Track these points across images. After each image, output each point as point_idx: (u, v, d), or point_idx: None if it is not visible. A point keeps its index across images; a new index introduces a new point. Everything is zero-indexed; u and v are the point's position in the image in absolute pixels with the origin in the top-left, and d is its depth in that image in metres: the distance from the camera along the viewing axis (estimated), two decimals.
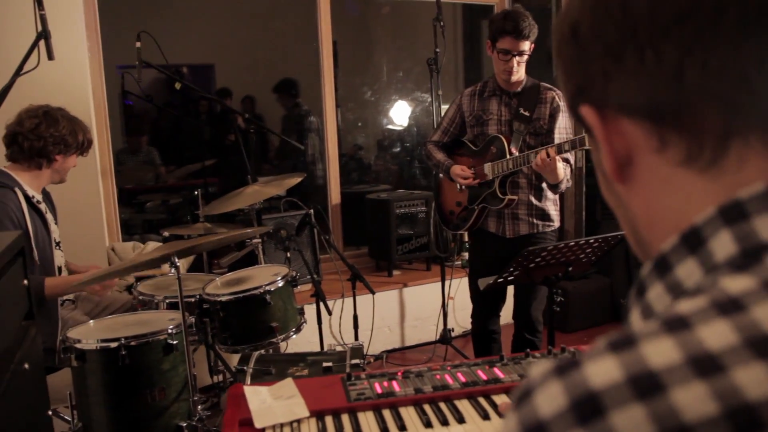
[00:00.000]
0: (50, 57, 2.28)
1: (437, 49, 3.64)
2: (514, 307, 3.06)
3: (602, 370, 0.38)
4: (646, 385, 0.37)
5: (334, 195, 4.33)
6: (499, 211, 2.89)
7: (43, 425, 1.52)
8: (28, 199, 2.51)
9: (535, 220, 2.87)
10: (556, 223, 2.94)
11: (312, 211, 3.41)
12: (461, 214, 3.03)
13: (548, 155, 2.56)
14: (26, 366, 1.32)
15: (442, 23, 3.57)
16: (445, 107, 3.85)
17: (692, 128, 0.47)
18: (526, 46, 2.70)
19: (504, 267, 2.96)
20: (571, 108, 0.55)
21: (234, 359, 2.84)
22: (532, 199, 2.87)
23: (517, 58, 2.71)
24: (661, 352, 0.38)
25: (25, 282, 1.47)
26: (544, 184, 2.85)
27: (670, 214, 0.49)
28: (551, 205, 2.91)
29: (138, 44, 2.89)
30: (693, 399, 0.35)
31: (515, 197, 2.84)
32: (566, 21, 0.53)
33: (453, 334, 4.04)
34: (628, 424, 0.36)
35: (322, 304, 3.08)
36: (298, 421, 1.45)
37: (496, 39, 2.73)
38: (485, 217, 2.95)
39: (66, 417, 2.32)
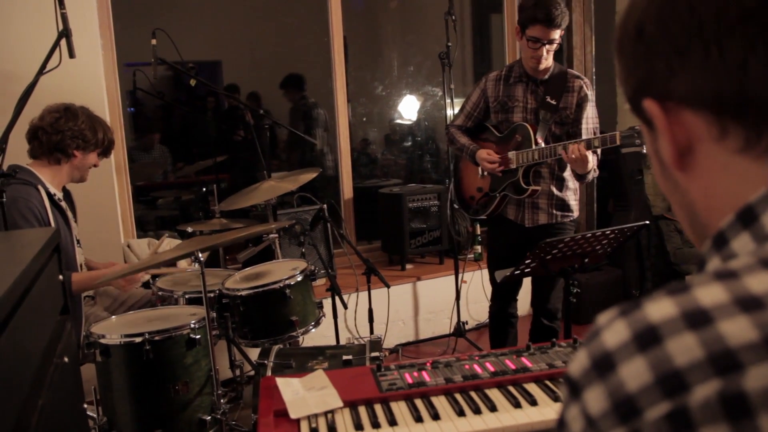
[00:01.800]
0: (71, 55, 2.29)
1: (449, 43, 3.65)
2: (532, 295, 3.07)
3: (660, 307, 0.45)
4: (697, 319, 0.43)
5: (347, 189, 4.34)
6: (519, 200, 2.88)
7: (79, 419, 1.54)
8: (50, 196, 2.53)
9: (554, 211, 2.86)
10: (576, 213, 2.93)
11: (325, 206, 3.43)
12: (481, 200, 3.00)
13: (577, 150, 2.55)
14: (66, 359, 1.34)
15: (453, 17, 3.58)
16: (457, 101, 3.87)
17: (752, 118, 0.50)
18: (557, 34, 2.65)
19: (520, 255, 3.00)
20: (632, 101, 0.59)
21: (253, 353, 2.86)
22: (553, 189, 2.85)
23: (547, 46, 2.66)
24: (711, 294, 0.44)
25: (60, 277, 1.49)
26: (566, 174, 2.85)
27: (727, 198, 0.54)
28: (571, 195, 2.90)
29: (153, 41, 2.90)
30: (737, 328, 0.41)
31: (538, 188, 2.81)
32: (631, 20, 0.57)
33: (467, 327, 4.05)
34: (682, 349, 0.42)
35: (337, 299, 3.09)
36: (332, 411, 1.47)
37: (526, 26, 2.66)
38: (505, 204, 2.93)
39: (89, 413, 2.34)
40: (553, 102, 2.76)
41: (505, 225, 2.96)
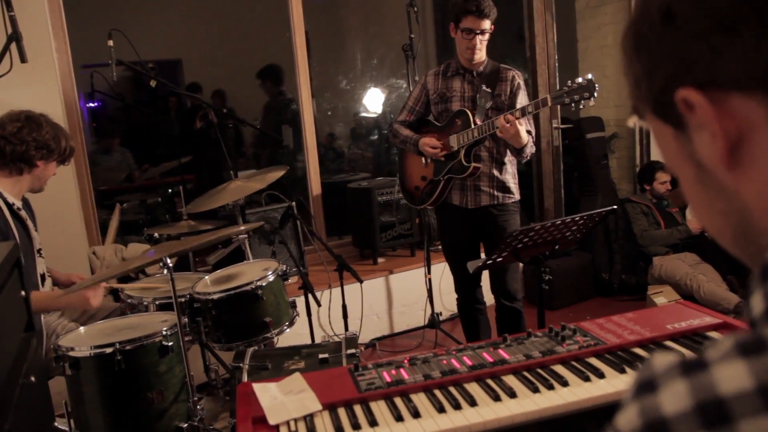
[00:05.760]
0: (23, 59, 2.21)
1: (412, 35, 3.63)
2: (490, 280, 3.16)
3: (732, 375, 0.37)
4: None
5: (315, 186, 4.31)
6: (462, 184, 3.00)
7: None
8: (9, 206, 2.45)
9: (495, 192, 2.99)
10: (516, 196, 3.06)
11: (294, 203, 3.39)
12: (426, 188, 3.11)
13: (507, 120, 2.69)
14: (32, 379, 1.29)
15: (416, 8, 3.56)
16: None
17: None
18: (488, 25, 2.83)
19: (470, 239, 3.10)
20: (659, 99, 0.51)
21: (228, 357, 2.82)
22: (494, 171, 2.98)
23: (480, 36, 2.84)
24: None
25: (23, 293, 1.44)
26: (505, 158, 3.00)
27: None
28: (511, 178, 3.03)
29: (110, 42, 2.82)
30: None
31: (480, 165, 2.94)
32: (654, 6, 0.50)
33: (441, 318, 4.06)
34: None
35: (310, 296, 3.07)
36: (311, 414, 1.45)
37: (459, 19, 2.85)
38: (450, 190, 3.04)
39: (62, 427, 2.28)
40: (489, 89, 2.92)
41: (451, 211, 3.07)
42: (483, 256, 3.19)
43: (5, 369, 1.19)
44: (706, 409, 0.37)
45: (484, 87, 2.92)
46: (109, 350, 2.16)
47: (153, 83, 2.96)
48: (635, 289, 4.37)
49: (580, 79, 2.61)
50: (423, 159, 3.08)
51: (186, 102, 5.64)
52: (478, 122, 2.87)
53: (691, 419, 0.37)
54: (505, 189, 3.01)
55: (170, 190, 4.69)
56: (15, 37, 2.21)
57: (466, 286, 3.19)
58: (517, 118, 2.70)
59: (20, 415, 1.16)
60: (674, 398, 0.38)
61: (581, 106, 2.66)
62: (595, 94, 2.61)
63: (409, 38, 3.66)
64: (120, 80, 5.46)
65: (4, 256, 1.30)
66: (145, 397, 2.22)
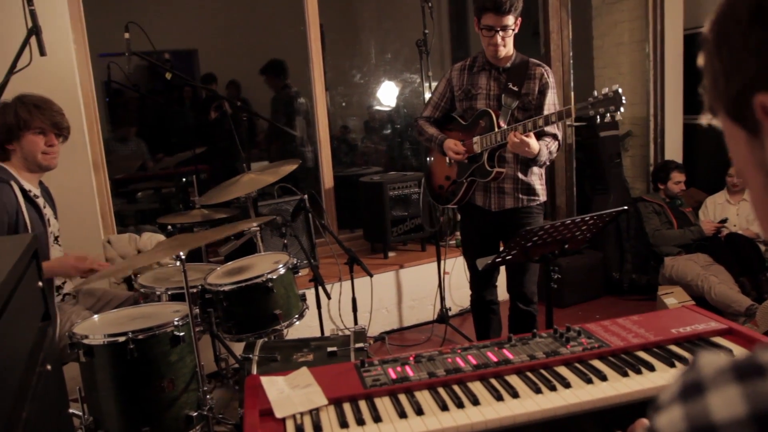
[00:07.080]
0: (42, 53, 2.25)
1: (426, 30, 3.64)
2: (507, 280, 3.12)
3: None
4: None
5: (327, 179, 4.34)
6: (486, 185, 2.92)
7: (64, 425, 1.54)
8: (25, 192, 2.49)
9: (520, 195, 2.91)
10: (542, 197, 2.97)
11: (306, 196, 3.42)
12: (450, 188, 3.05)
13: (516, 137, 2.62)
14: (48, 367, 1.34)
15: (430, 4, 3.57)
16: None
17: None
18: (510, 20, 2.69)
19: (490, 240, 3.05)
20: (736, 100, 0.49)
21: (238, 347, 2.86)
22: (518, 174, 2.89)
23: (501, 33, 2.71)
24: None
25: (40, 284, 1.48)
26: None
27: None
28: (537, 179, 2.94)
29: (126, 35, 2.86)
30: None
31: (503, 170, 2.86)
32: (742, 2, 0.47)
33: (450, 313, 4.09)
34: None
35: (321, 289, 3.10)
36: (317, 409, 1.49)
37: (480, 16, 2.73)
38: (473, 191, 2.98)
39: (75, 412, 2.34)
40: (515, 88, 2.80)
41: (474, 211, 3.01)
42: None
43: (23, 358, 1.23)
44: (765, 419, 0.33)
45: (510, 85, 2.81)
46: (122, 339, 2.21)
47: (168, 75, 3.00)
48: (646, 288, 4.36)
49: (605, 90, 2.49)
50: (447, 158, 3.00)
51: (201, 92, 5.69)
52: (503, 125, 2.77)
53: (744, 428, 0.34)
54: (530, 191, 2.92)
55: (184, 180, 4.75)
56: (35, 30, 2.24)
57: (482, 286, 3.15)
58: (526, 131, 2.63)
59: (37, 402, 1.19)
60: (726, 404, 0.36)
61: (606, 120, 2.53)
62: (622, 108, 2.49)
63: (423, 33, 3.66)
64: (136, 70, 5.50)
65: (24, 247, 1.34)
66: (156, 386, 2.27)
